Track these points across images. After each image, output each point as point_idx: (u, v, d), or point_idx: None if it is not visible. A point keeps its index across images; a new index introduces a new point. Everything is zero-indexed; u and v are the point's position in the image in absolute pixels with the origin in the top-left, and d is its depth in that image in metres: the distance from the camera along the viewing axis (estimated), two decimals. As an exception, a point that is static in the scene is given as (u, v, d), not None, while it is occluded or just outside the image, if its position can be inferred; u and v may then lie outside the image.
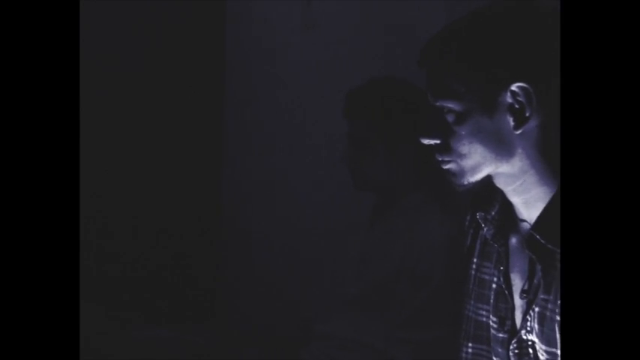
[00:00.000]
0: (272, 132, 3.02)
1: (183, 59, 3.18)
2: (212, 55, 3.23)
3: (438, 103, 1.32)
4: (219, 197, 3.27)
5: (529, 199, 1.32)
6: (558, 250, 1.23)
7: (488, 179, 1.35)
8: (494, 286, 1.42)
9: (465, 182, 1.33)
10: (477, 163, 1.31)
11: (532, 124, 1.27)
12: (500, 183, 1.35)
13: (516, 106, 1.27)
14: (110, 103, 3.07)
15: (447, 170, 1.34)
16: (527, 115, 1.26)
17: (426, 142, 1.35)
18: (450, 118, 1.30)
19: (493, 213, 1.40)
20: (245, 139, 3.15)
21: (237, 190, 3.21)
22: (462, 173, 1.32)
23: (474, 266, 1.48)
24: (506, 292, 1.38)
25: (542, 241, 1.27)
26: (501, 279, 1.39)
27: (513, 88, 1.26)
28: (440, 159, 1.34)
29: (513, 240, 1.39)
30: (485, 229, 1.41)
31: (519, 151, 1.29)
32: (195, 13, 3.21)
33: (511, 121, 1.28)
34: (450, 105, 1.30)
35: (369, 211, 2.19)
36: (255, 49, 3.08)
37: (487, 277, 1.44)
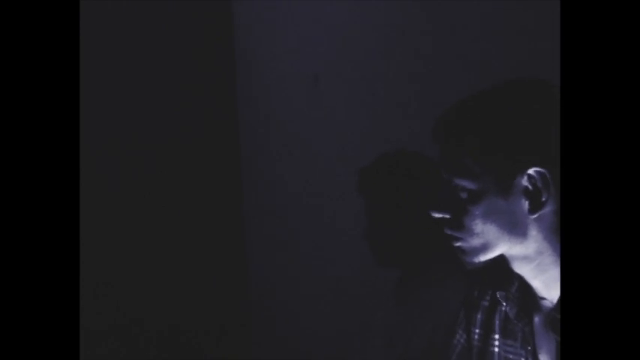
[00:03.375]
0: (291, 208, 3.01)
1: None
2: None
3: (451, 180, 1.29)
4: (246, 272, 3.25)
5: (547, 280, 1.29)
6: None
7: (502, 258, 1.32)
8: None
9: (476, 261, 1.30)
10: (489, 243, 1.28)
11: (547, 208, 1.24)
12: (516, 266, 1.31)
13: (530, 188, 1.24)
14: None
15: (458, 248, 1.31)
16: (544, 199, 1.24)
17: (436, 215, 1.32)
18: (464, 195, 1.27)
19: (513, 290, 1.37)
20: (264, 213, 3.14)
21: (263, 270, 3.19)
22: (473, 252, 1.30)
23: (496, 343, 1.43)
24: None
25: None
26: (530, 359, 1.34)
27: (530, 172, 1.24)
28: (450, 234, 1.31)
29: (536, 319, 1.35)
30: (507, 308, 1.37)
31: (534, 233, 1.26)
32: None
33: (526, 205, 1.25)
34: (465, 183, 1.27)
35: (395, 285, 2.15)
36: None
37: (512, 357, 1.39)
